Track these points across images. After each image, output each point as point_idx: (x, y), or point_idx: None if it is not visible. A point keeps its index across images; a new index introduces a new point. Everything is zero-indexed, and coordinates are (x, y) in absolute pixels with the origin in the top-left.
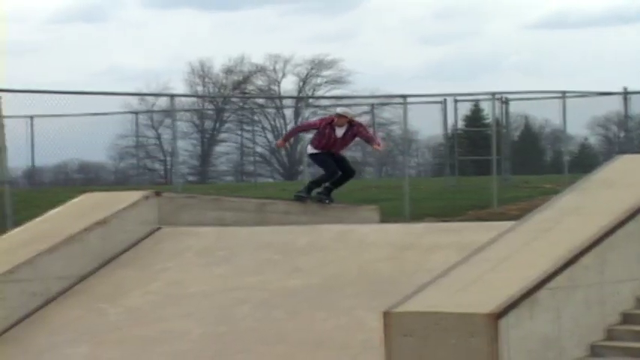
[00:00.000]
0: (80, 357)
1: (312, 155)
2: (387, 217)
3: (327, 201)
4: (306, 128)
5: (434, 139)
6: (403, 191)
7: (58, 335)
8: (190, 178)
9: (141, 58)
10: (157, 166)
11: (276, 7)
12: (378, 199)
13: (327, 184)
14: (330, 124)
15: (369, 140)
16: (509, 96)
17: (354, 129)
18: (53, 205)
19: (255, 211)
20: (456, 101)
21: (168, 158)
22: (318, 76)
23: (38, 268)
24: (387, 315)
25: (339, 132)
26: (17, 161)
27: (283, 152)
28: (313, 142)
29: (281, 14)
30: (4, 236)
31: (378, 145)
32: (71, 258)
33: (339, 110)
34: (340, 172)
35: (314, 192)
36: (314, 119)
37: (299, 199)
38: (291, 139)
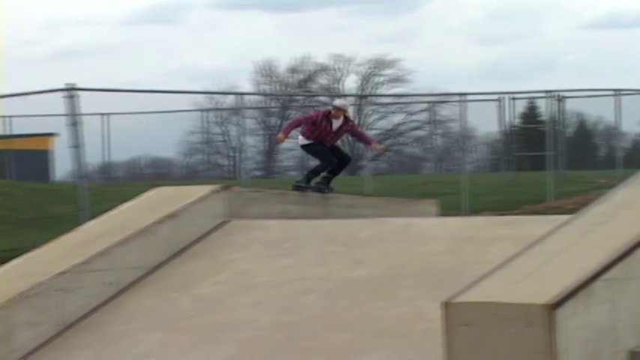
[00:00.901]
0: (154, 342)
1: (304, 146)
2: (446, 211)
3: (326, 190)
4: (304, 121)
5: (491, 135)
6: (461, 186)
7: (133, 323)
8: (256, 173)
9: (209, 58)
10: (224, 161)
11: (339, 9)
12: (437, 194)
13: (324, 173)
14: (327, 116)
15: (361, 138)
16: (564, 94)
17: (349, 123)
18: (126, 199)
19: (319, 205)
20: (512, 99)
21: (235, 154)
22: (379, 74)
23: (113, 259)
24: (446, 305)
25: (335, 125)
26: (93, 157)
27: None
28: (305, 133)
29: (344, 15)
30: (81, 228)
31: (376, 143)
32: (143, 249)
33: (337, 103)
34: (337, 160)
35: (313, 182)
36: (310, 113)
37: (298, 189)
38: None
